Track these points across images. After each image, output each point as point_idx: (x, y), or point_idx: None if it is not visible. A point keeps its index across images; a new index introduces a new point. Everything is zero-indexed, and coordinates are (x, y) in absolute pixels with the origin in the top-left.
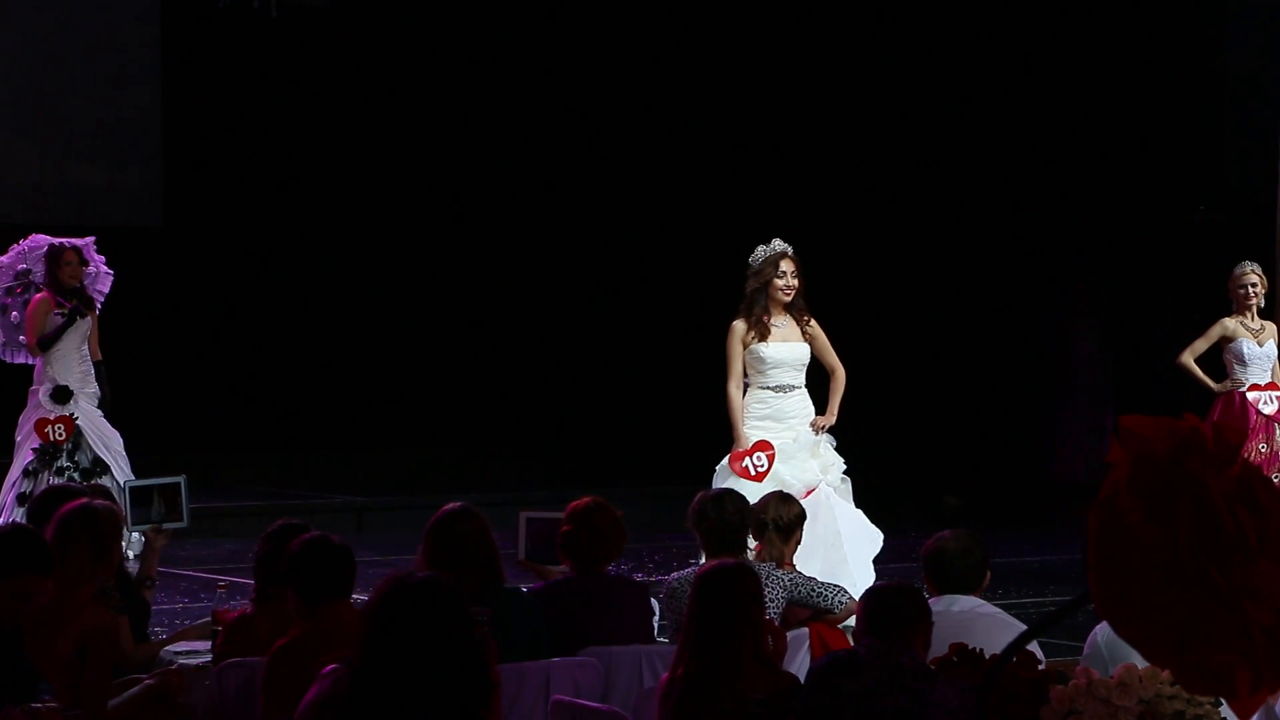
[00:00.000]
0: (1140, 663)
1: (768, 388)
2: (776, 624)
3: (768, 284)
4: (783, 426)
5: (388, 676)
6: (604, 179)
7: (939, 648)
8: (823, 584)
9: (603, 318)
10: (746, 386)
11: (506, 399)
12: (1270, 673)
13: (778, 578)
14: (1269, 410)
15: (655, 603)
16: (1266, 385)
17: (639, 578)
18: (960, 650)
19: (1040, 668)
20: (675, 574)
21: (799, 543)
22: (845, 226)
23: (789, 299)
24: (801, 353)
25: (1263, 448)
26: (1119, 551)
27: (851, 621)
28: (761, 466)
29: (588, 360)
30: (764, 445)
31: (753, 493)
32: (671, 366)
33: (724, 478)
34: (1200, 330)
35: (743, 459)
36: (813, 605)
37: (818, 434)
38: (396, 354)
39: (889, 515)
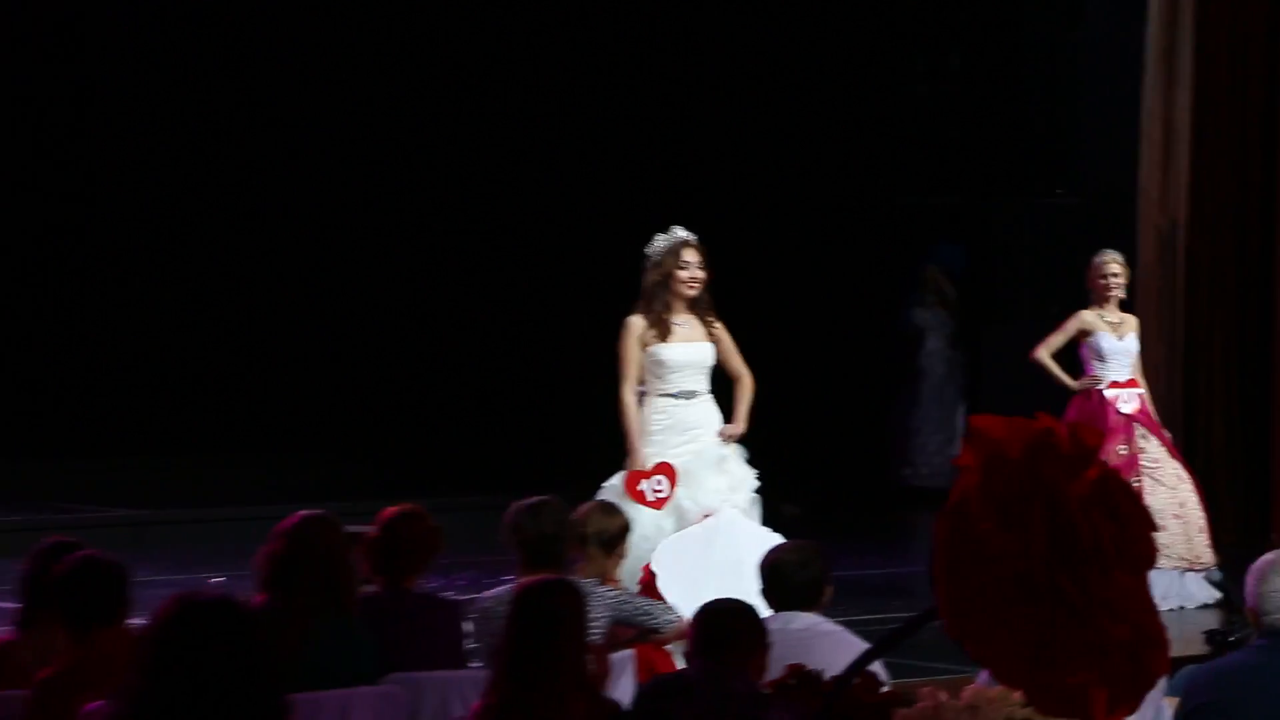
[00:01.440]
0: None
1: (668, 394)
2: (599, 646)
3: (669, 277)
4: (685, 439)
5: (165, 711)
6: (413, 167)
7: (776, 669)
8: (649, 602)
9: (422, 313)
10: (642, 394)
11: (308, 400)
12: (1127, 692)
13: (600, 595)
14: (1129, 409)
15: (467, 624)
16: (1126, 382)
17: (449, 596)
18: (798, 672)
19: (884, 690)
20: (489, 592)
21: (623, 557)
22: (672, 216)
23: (694, 293)
24: (706, 354)
25: (1122, 449)
26: (968, 563)
27: (682, 642)
28: (662, 492)
29: (400, 358)
30: (666, 468)
31: (649, 521)
32: (490, 366)
33: (614, 499)
34: (1057, 323)
35: (639, 482)
36: (639, 625)
37: (725, 443)
38: (178, 351)
39: None
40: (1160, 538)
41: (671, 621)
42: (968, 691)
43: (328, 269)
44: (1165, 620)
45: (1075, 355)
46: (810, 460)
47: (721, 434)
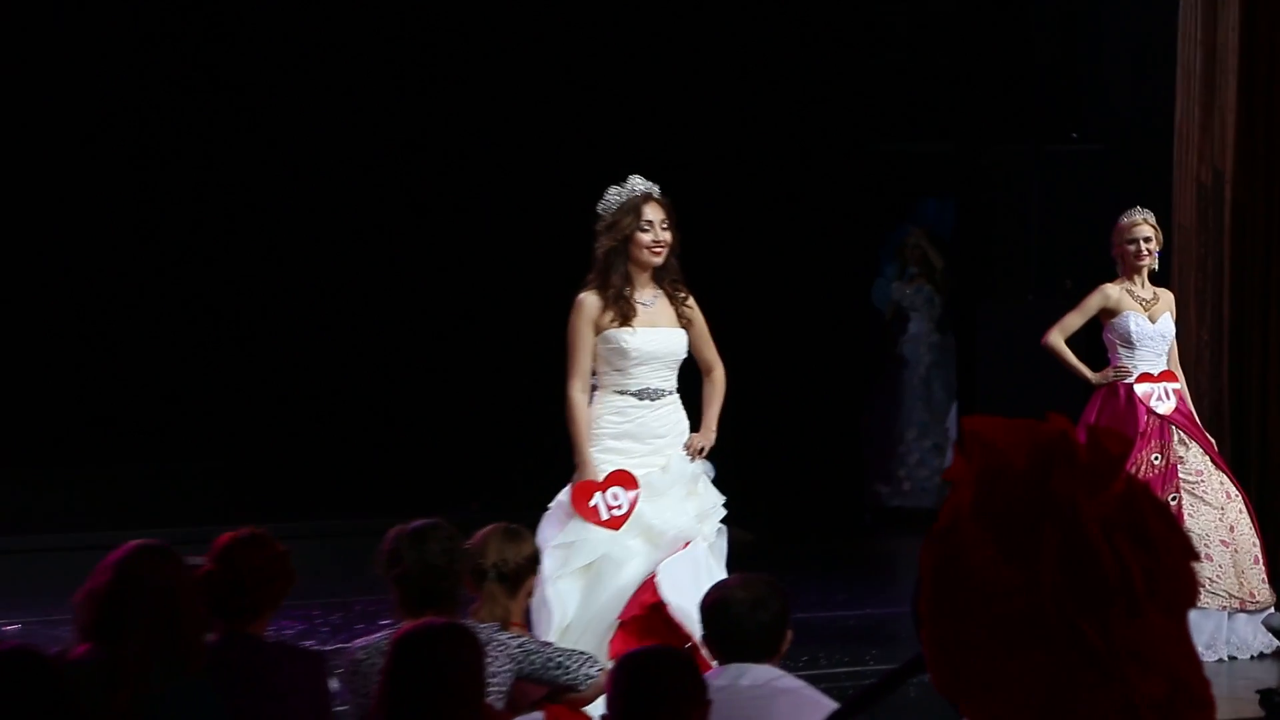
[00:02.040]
0: None
1: (628, 392)
2: (499, 707)
3: (627, 240)
4: (647, 449)
5: None
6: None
7: None
8: (563, 652)
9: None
10: (594, 388)
11: (137, 406)
12: None
13: (502, 644)
14: (1164, 409)
15: (334, 681)
16: (1161, 375)
17: (310, 645)
18: None
19: None
20: (362, 641)
21: (530, 595)
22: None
23: (659, 261)
24: (678, 344)
25: (1156, 459)
26: (961, 601)
27: (603, 702)
28: (619, 509)
29: (260, 362)
30: (623, 478)
31: (607, 542)
32: (369, 368)
33: (559, 520)
34: (1074, 301)
35: (591, 495)
36: (550, 680)
37: (693, 459)
38: None
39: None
40: (1204, 570)
41: (591, 677)
42: None
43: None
44: (1210, 674)
45: (1097, 340)
46: (765, 474)
47: (689, 447)
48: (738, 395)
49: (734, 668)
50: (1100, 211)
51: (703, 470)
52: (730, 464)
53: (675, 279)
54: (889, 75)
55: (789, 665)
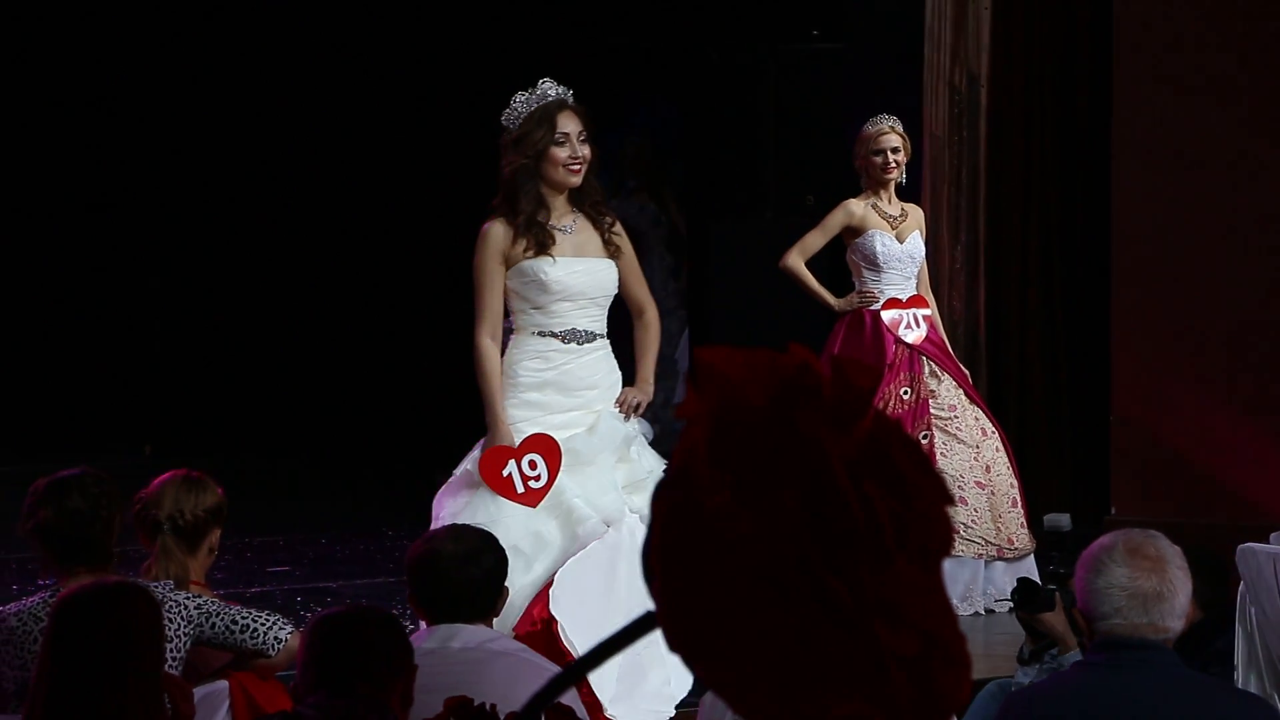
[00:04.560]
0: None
1: (551, 333)
2: (178, 674)
3: (541, 156)
4: (575, 403)
5: None
6: None
7: (431, 702)
8: (250, 613)
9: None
10: (508, 332)
11: None
12: None
13: (178, 604)
14: (913, 338)
15: None
16: (910, 300)
17: None
18: (462, 706)
19: None
20: (13, 606)
21: (214, 551)
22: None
23: (577, 179)
24: (607, 277)
25: (905, 393)
26: (696, 552)
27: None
28: (537, 480)
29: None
30: (543, 442)
31: (521, 524)
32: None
33: (462, 492)
34: (815, 219)
35: (505, 463)
36: (235, 646)
37: (628, 418)
38: None
39: (362, 505)
40: (958, 514)
41: (282, 641)
42: None
43: None
44: (966, 628)
45: (840, 262)
46: (477, 415)
47: (621, 402)
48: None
49: (444, 629)
50: (843, 119)
51: (639, 430)
52: (413, 411)
53: (597, 200)
54: None
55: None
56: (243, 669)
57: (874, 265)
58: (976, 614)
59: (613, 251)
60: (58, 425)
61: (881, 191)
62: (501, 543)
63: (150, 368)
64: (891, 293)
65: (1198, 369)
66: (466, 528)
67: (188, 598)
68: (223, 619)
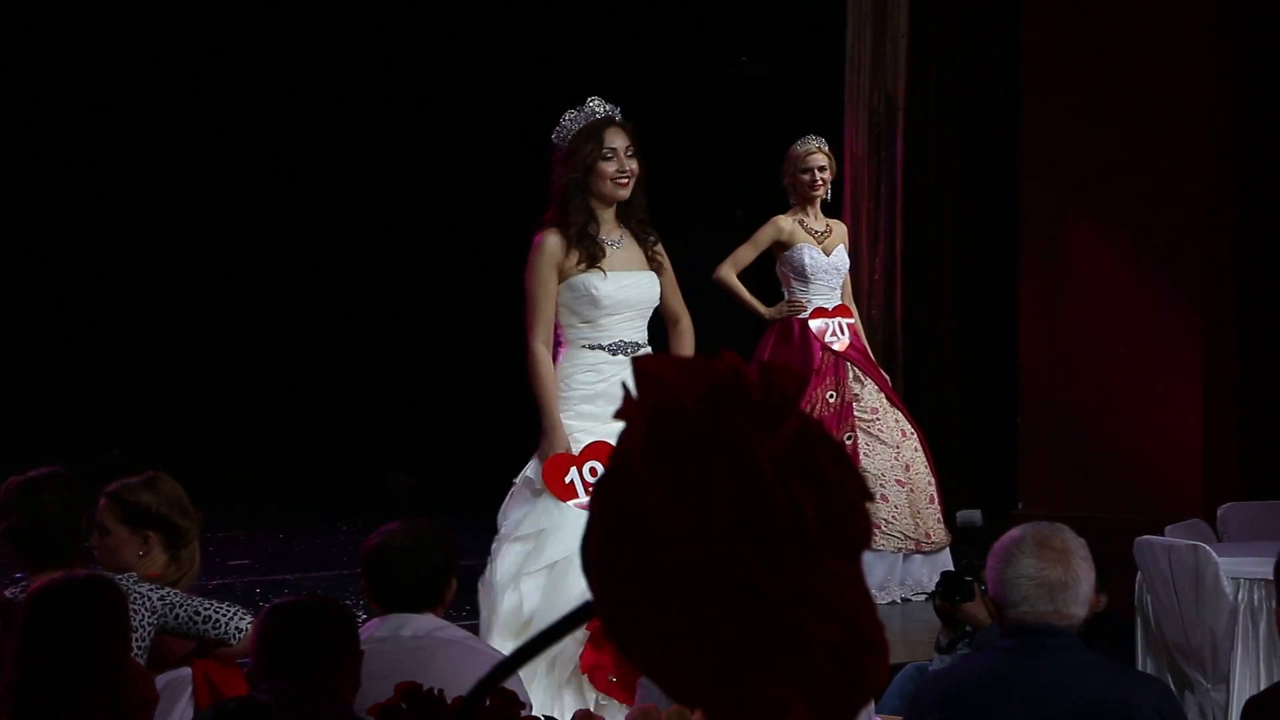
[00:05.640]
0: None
1: (600, 346)
2: (142, 662)
3: (590, 171)
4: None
5: None
6: None
7: (382, 687)
8: (212, 604)
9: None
10: (557, 345)
11: None
12: (835, 709)
13: (142, 595)
14: (838, 345)
15: None
16: (835, 310)
17: None
18: (411, 692)
19: (526, 712)
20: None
21: (186, 547)
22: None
23: (625, 194)
24: (650, 290)
25: (831, 396)
26: (632, 546)
27: None
28: None
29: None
30: (603, 450)
31: (576, 523)
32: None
33: (525, 500)
34: (746, 233)
35: (567, 470)
36: (198, 635)
37: None
38: None
39: (317, 502)
40: (879, 510)
41: (243, 630)
42: (632, 714)
43: None
44: (884, 616)
45: (770, 274)
46: (428, 419)
47: None
48: (403, 351)
49: (394, 618)
50: (771, 138)
51: None
52: (388, 406)
53: (642, 217)
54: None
55: (452, 615)
56: (205, 657)
57: (802, 277)
58: (893, 602)
59: (656, 266)
60: (26, 426)
61: (808, 208)
62: (564, 548)
63: (118, 370)
64: (818, 302)
65: (1099, 373)
66: (418, 523)
67: (151, 589)
68: (186, 610)
